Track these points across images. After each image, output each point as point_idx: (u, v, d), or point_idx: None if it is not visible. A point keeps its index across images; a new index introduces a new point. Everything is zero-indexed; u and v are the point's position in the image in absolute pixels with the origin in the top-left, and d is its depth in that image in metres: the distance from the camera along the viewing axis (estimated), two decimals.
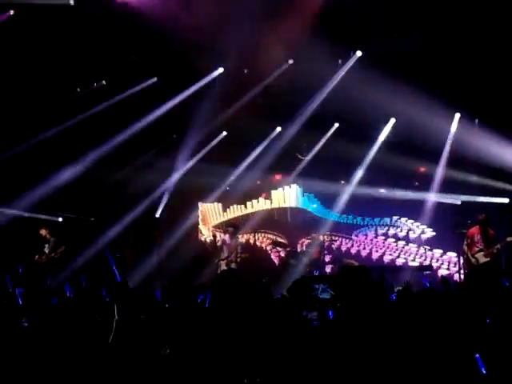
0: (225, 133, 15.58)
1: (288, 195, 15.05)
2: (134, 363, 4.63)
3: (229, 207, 15.33)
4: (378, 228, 14.85)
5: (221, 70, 14.48)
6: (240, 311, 6.30)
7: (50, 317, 5.80)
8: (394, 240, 14.64)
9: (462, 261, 12.25)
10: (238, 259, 12.14)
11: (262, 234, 15.07)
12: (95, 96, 13.92)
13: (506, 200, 13.46)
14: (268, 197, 15.09)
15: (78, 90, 13.95)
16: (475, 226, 11.62)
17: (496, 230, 11.72)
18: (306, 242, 14.59)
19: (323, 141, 15.27)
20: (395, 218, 14.76)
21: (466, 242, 11.58)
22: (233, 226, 12.86)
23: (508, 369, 4.19)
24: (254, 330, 5.15)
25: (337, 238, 14.82)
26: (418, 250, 14.29)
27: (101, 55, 12.88)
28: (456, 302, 5.72)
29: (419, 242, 14.43)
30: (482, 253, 11.31)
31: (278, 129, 15.46)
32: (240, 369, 4.50)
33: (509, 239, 11.30)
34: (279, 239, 14.94)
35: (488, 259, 11.33)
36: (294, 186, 15.06)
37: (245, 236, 14.68)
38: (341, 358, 4.35)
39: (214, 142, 15.56)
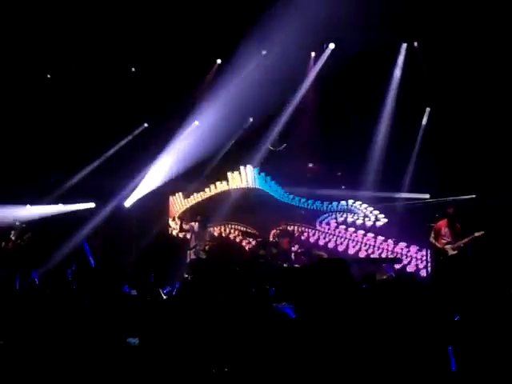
0: (197, 122, 15.52)
1: (244, 176, 15.13)
2: (102, 354, 4.59)
3: (190, 195, 15.29)
4: (338, 215, 14.92)
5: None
6: (208, 300, 6.30)
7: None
8: (354, 230, 14.72)
9: (429, 254, 12.44)
10: (206, 247, 12.15)
11: (232, 226, 15.05)
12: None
13: (472, 196, 13.64)
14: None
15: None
16: (443, 220, 11.79)
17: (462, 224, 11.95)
18: (276, 232, 14.60)
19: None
20: (351, 201, 14.82)
21: (432, 235, 11.74)
22: (201, 215, 12.81)
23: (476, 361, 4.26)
24: (222, 319, 5.16)
25: (304, 229, 14.85)
26: (375, 241, 14.41)
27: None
28: (423, 293, 5.79)
29: (374, 230, 14.55)
30: (450, 245, 11.49)
31: (250, 119, 15.46)
32: (207, 358, 4.49)
33: (477, 234, 11.49)
34: (249, 230, 14.95)
35: (455, 252, 11.53)
36: (249, 167, 15.11)
37: (216, 229, 14.68)
38: (312, 349, 4.37)
39: (186, 133, 15.49)
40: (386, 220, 14.45)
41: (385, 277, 10.67)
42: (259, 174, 15.07)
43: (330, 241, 14.78)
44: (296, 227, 14.78)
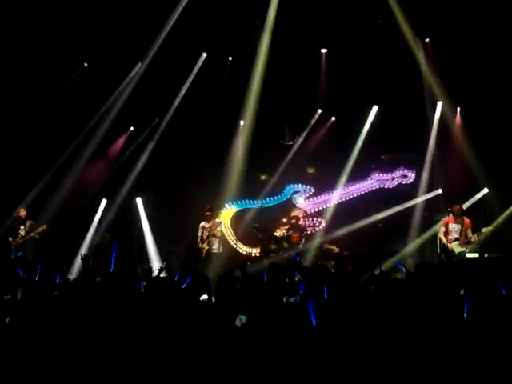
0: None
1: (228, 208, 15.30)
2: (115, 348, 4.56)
3: None
4: (299, 193, 15.44)
5: (204, 55, 14.50)
6: (217, 294, 6.28)
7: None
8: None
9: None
10: (213, 236, 12.39)
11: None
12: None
13: (485, 190, 13.59)
14: None
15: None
16: (450, 216, 11.75)
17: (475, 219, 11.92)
18: (285, 227, 14.53)
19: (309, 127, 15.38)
20: (289, 186, 15.34)
21: (441, 230, 11.74)
22: (210, 210, 12.86)
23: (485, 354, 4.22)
24: (229, 312, 5.15)
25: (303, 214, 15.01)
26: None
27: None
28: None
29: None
30: (458, 242, 11.41)
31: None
32: (211, 352, 4.44)
33: (484, 230, 11.44)
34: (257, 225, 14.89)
35: (463, 249, 11.47)
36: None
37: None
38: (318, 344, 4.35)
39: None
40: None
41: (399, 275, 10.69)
42: (232, 202, 15.27)
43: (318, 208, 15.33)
44: (301, 214, 14.77)
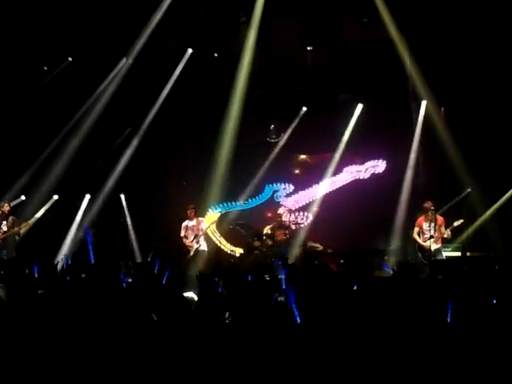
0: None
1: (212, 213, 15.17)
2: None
3: None
4: (279, 192, 15.52)
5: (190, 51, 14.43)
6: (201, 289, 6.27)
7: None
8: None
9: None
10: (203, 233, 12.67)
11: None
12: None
13: (468, 189, 13.69)
14: None
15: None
16: (422, 216, 11.94)
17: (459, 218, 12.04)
18: (271, 225, 14.54)
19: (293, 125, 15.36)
20: (268, 185, 15.37)
21: (415, 231, 11.96)
22: (192, 209, 12.91)
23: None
24: (214, 308, 5.14)
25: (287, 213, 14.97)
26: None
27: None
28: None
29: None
30: (432, 240, 11.55)
31: None
32: (196, 349, 4.43)
33: (456, 224, 11.66)
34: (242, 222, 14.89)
35: (439, 246, 11.73)
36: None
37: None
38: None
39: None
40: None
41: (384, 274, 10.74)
42: (215, 206, 15.10)
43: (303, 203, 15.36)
44: (285, 212, 14.78)
